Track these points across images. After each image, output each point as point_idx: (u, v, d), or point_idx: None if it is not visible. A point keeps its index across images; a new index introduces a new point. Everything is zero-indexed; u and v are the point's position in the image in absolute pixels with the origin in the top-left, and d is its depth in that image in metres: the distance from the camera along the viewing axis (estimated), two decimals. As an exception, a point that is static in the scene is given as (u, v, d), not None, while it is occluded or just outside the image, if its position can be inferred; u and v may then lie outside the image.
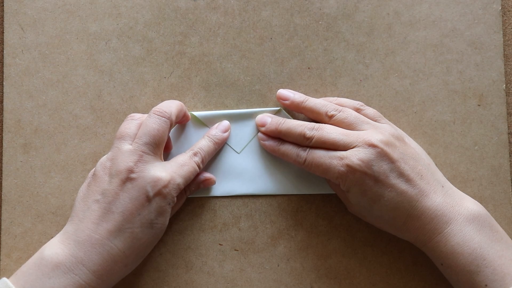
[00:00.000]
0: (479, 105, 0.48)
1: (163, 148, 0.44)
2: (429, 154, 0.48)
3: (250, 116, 0.48)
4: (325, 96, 0.48)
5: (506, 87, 0.49)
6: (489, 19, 0.49)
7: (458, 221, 0.41)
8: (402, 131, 0.46)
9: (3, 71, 0.48)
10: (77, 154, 0.48)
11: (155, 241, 0.43)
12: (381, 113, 0.48)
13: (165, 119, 0.43)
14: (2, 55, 0.49)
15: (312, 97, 0.48)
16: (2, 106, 0.48)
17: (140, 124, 0.43)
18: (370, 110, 0.46)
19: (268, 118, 0.47)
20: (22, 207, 0.47)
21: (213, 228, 0.47)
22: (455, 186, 0.47)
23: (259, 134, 0.47)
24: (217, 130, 0.47)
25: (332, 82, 0.48)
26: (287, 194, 0.48)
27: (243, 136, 0.48)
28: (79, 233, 0.39)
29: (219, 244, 0.47)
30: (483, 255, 0.39)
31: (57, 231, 0.47)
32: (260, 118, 0.47)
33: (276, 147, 0.46)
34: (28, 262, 0.40)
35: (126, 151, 0.41)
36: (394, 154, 0.42)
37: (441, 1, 0.49)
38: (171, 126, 0.44)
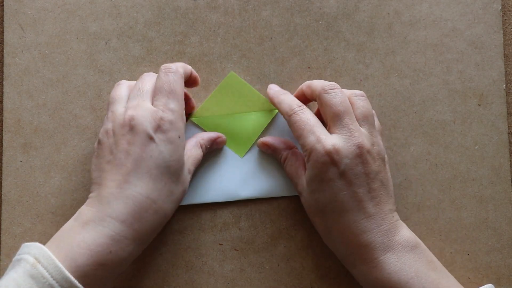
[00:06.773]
0: (479, 105, 0.48)
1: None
2: (429, 154, 0.48)
3: (250, 118, 0.48)
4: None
5: (506, 86, 0.49)
6: (489, 18, 0.49)
7: (396, 250, 0.40)
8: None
9: (3, 71, 0.48)
10: (77, 154, 0.48)
11: (181, 186, 0.42)
12: (381, 112, 0.48)
13: (172, 74, 0.42)
14: (2, 55, 0.49)
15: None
16: (2, 106, 0.48)
17: (128, 87, 0.44)
18: (361, 112, 0.43)
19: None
20: (22, 207, 0.47)
21: (213, 228, 0.47)
22: (455, 186, 0.47)
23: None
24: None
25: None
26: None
27: (244, 140, 0.48)
28: (101, 194, 0.40)
29: (219, 244, 0.47)
30: (420, 283, 0.39)
31: (57, 231, 0.47)
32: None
33: (276, 94, 0.46)
34: (61, 229, 0.40)
35: (121, 113, 0.42)
36: (372, 166, 0.41)
37: (441, 0, 0.49)
38: (182, 79, 0.43)
